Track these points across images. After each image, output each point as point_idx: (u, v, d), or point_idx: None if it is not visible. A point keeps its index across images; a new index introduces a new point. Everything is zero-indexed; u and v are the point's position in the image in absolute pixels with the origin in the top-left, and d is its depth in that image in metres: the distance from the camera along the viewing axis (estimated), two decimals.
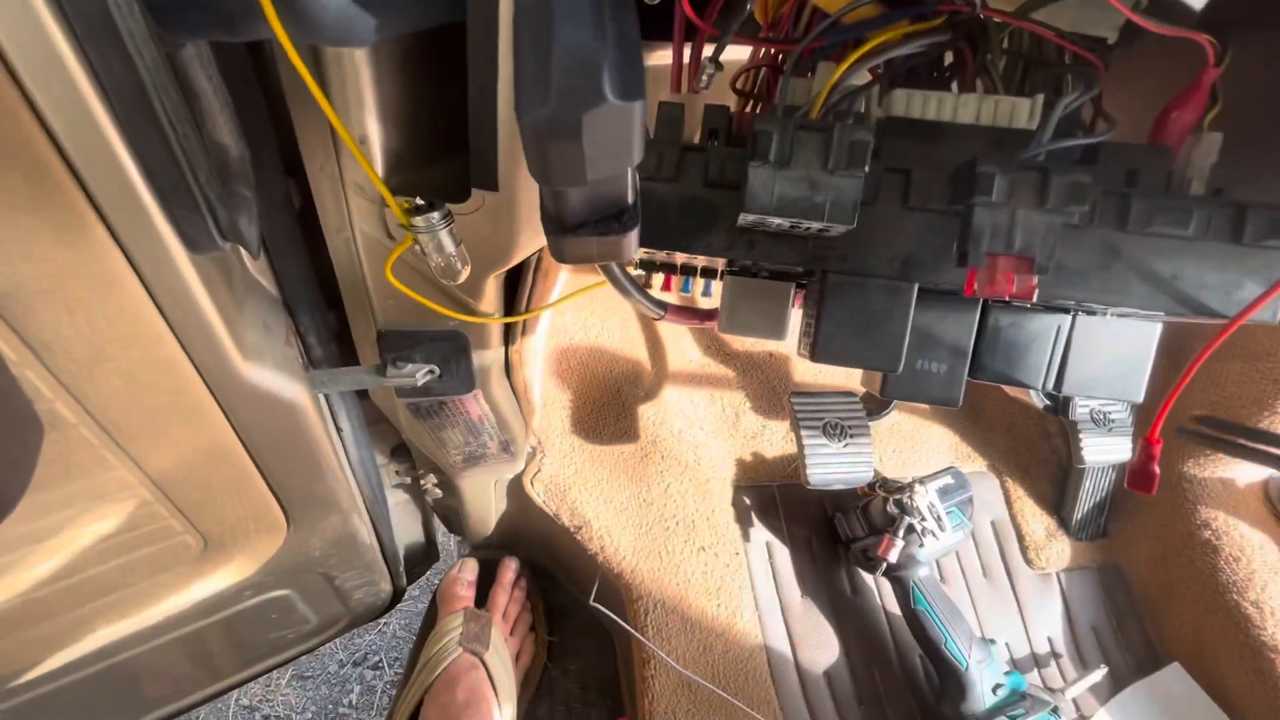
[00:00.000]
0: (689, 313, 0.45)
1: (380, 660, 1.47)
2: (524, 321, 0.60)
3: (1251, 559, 0.82)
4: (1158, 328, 0.34)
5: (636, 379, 0.86)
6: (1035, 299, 0.28)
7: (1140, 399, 0.34)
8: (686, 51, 0.37)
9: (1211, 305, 0.29)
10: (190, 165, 0.31)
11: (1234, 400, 0.83)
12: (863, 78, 0.32)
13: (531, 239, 0.44)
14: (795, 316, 0.39)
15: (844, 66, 0.28)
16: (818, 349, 0.32)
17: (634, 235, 0.20)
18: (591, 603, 0.73)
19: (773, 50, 0.35)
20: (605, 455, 0.79)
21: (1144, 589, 0.90)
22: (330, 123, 0.37)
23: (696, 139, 0.36)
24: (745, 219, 0.28)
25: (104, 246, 0.31)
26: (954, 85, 0.34)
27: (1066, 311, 0.35)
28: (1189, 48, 0.33)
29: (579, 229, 0.19)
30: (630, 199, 0.19)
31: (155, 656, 0.61)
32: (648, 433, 0.82)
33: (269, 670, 0.76)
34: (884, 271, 0.30)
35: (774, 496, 0.86)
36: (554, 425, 0.78)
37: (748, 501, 0.85)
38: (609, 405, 0.83)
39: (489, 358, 0.58)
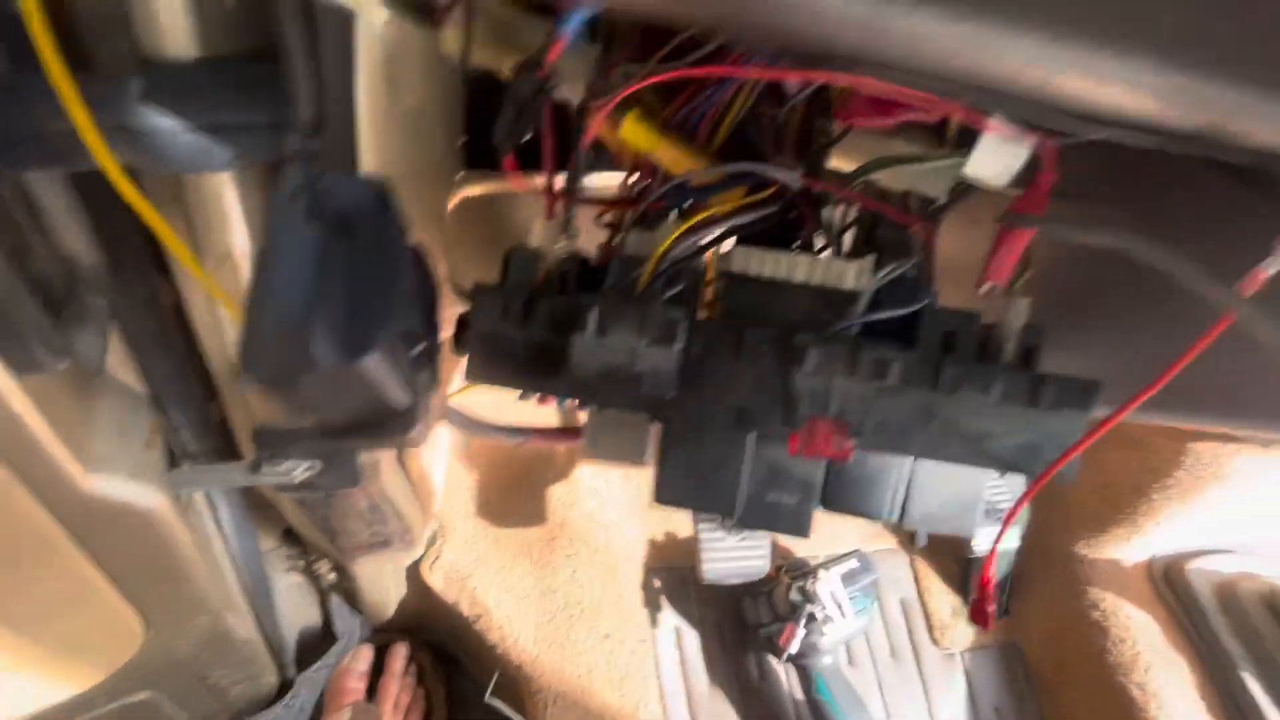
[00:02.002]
0: (553, 434, 0.45)
1: None
2: None
3: (1137, 641, 0.86)
4: (988, 472, 0.36)
5: (548, 459, 0.85)
6: (852, 459, 0.29)
7: (972, 535, 0.36)
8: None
9: (1018, 462, 0.32)
10: (11, 297, 0.30)
11: (1115, 486, 0.88)
12: (712, 233, 0.34)
13: None
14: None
15: (672, 238, 0.29)
16: (658, 492, 0.32)
17: (419, 428, 0.21)
18: (487, 698, 0.70)
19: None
20: (510, 539, 0.78)
21: (1039, 668, 0.93)
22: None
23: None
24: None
25: None
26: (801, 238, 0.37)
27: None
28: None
29: (347, 434, 0.19)
30: (405, 403, 0.20)
31: None
32: (556, 515, 0.81)
33: None
34: (720, 423, 0.32)
35: (686, 578, 0.86)
36: (457, 508, 0.76)
37: (658, 584, 0.84)
38: (517, 486, 0.82)
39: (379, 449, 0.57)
